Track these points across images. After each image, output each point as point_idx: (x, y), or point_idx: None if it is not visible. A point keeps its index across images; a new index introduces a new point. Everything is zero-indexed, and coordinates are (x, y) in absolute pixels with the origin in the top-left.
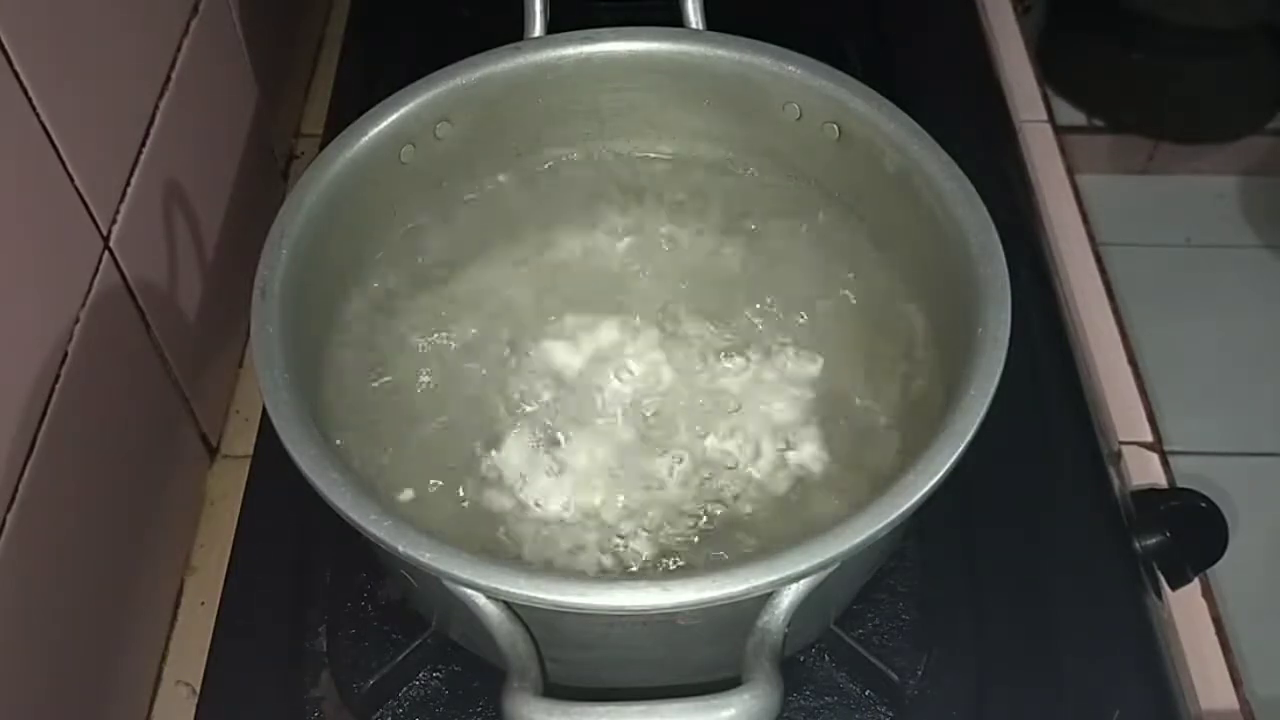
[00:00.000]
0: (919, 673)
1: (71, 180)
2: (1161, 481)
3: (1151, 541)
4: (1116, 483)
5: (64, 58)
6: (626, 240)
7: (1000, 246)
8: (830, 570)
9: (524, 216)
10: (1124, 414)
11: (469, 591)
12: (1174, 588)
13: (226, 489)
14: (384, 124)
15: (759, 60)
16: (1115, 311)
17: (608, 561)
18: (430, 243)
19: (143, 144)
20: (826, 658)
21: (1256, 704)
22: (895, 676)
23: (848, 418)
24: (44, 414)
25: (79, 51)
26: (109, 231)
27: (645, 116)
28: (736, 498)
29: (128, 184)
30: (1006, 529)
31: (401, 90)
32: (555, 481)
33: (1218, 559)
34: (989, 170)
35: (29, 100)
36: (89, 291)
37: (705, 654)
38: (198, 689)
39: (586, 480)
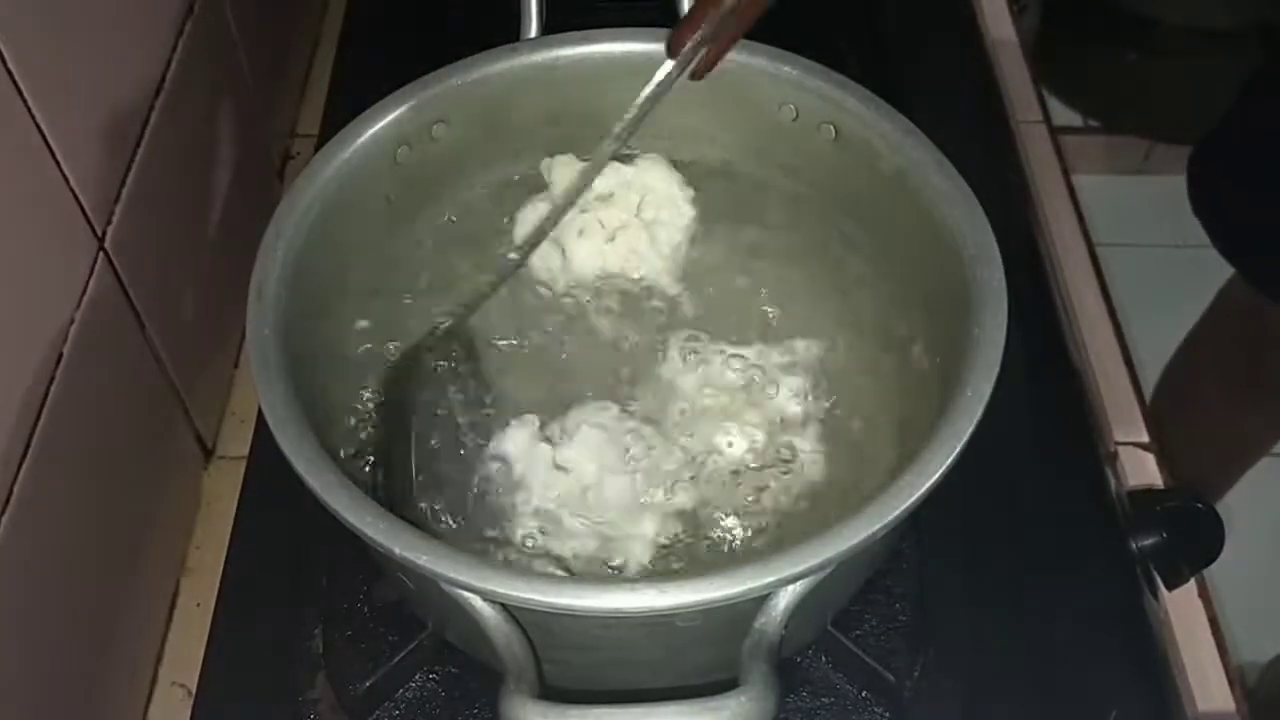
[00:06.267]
0: (915, 673)
1: (66, 181)
2: (1158, 482)
3: (1148, 542)
4: (1113, 483)
5: (59, 57)
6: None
7: (996, 247)
8: (827, 572)
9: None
10: (1120, 414)
11: (466, 594)
12: (1170, 588)
13: (222, 490)
14: (379, 125)
15: (755, 61)
16: (1111, 312)
17: (601, 556)
18: (426, 243)
19: (138, 144)
20: (823, 659)
21: (1253, 705)
22: (892, 677)
23: (845, 418)
24: (39, 415)
25: (74, 51)
26: (104, 232)
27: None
28: (733, 497)
29: (123, 185)
30: (1003, 529)
31: (397, 91)
32: (549, 480)
33: (1214, 559)
34: (985, 171)
35: (24, 101)
36: (84, 293)
37: (702, 656)
38: (193, 690)
39: (581, 479)
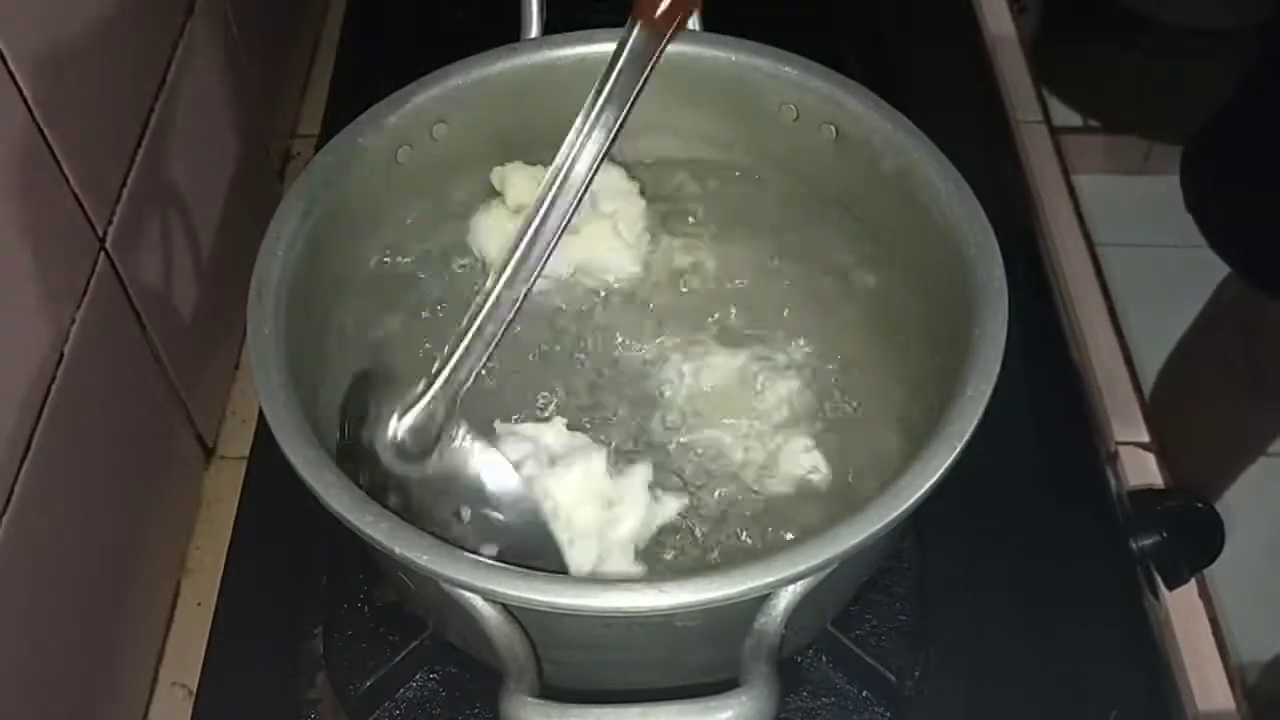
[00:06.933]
0: (916, 673)
1: (67, 181)
2: (1158, 482)
3: (1148, 541)
4: (1113, 483)
5: (60, 58)
6: None
7: (997, 247)
8: (828, 571)
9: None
10: (1120, 414)
11: (466, 594)
12: (1170, 588)
13: (222, 491)
14: (380, 125)
15: (755, 61)
16: (1112, 312)
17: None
18: (426, 244)
19: (139, 145)
20: (824, 658)
21: (1253, 705)
22: (892, 677)
23: (846, 418)
24: (39, 415)
25: (75, 52)
26: (105, 233)
27: (641, 118)
28: (733, 497)
29: (124, 185)
30: (1003, 529)
31: (398, 91)
32: (549, 481)
33: (1214, 559)
34: (986, 171)
35: (24, 101)
36: (85, 293)
37: (702, 655)
38: (194, 691)
39: (580, 481)
